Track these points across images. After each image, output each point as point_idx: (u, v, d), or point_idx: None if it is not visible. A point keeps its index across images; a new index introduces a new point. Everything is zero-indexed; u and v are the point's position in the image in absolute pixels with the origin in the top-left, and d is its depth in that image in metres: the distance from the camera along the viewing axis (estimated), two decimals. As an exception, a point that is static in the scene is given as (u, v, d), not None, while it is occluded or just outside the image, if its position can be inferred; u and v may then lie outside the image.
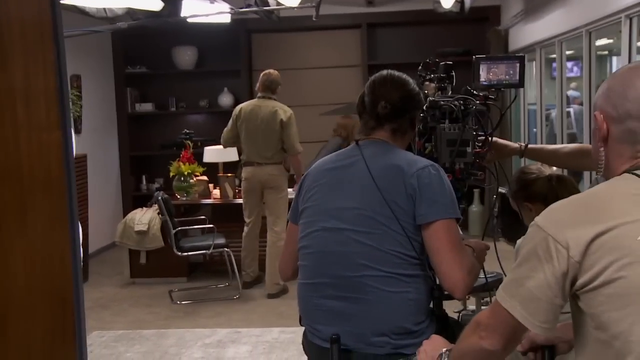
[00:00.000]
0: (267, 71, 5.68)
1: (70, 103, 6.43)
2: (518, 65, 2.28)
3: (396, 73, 2.12)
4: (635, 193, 1.30)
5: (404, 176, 1.96)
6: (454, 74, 2.40)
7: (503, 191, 2.63)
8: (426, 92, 2.35)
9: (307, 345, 2.11)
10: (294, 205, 2.17)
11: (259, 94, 5.64)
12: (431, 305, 2.05)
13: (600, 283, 1.25)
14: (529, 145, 2.47)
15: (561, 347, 1.72)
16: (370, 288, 1.94)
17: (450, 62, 2.39)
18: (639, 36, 3.62)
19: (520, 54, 2.39)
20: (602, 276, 1.24)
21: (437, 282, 2.00)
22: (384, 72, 2.13)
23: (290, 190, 5.75)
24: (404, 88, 2.09)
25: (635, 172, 1.33)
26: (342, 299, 1.96)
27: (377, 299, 1.94)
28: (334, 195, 2.04)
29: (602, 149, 1.40)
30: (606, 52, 8.84)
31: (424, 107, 2.24)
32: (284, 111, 5.52)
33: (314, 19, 3.86)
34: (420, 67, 2.40)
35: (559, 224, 1.30)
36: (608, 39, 6.64)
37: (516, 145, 2.48)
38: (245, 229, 5.84)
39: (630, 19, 3.66)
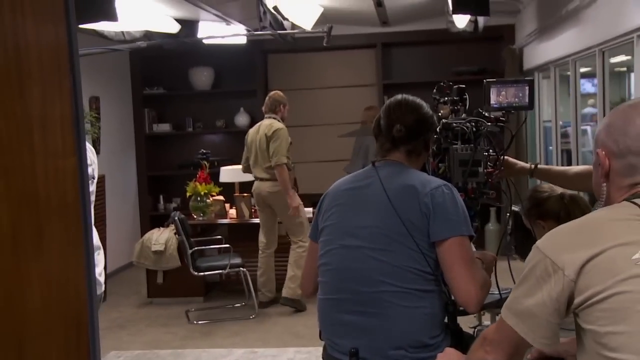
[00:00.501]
0: (270, 93, 5.92)
1: (89, 124, 6.53)
2: (527, 88, 2.39)
3: (410, 97, 2.23)
4: (629, 218, 1.38)
5: (419, 195, 2.05)
6: (467, 96, 2.49)
7: (516, 209, 2.66)
8: (440, 114, 2.45)
9: (327, 358, 2.19)
10: (313, 224, 2.28)
11: (265, 116, 5.83)
12: (446, 320, 2.13)
13: (595, 300, 1.33)
14: (539, 166, 2.53)
15: None
16: (387, 303, 2.03)
17: (463, 86, 2.47)
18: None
19: (529, 78, 2.48)
20: (597, 294, 1.33)
21: (452, 297, 2.09)
22: (399, 96, 2.24)
23: (308, 209, 5.81)
24: (417, 112, 2.19)
25: (632, 200, 1.41)
26: (361, 313, 2.04)
27: (394, 313, 2.03)
28: (352, 214, 2.14)
29: (604, 184, 1.49)
30: (625, 69, 8.79)
31: (438, 129, 2.33)
32: (272, 126, 5.65)
33: (324, 44, 3.89)
34: (434, 90, 2.51)
35: (557, 247, 1.40)
36: (626, 55, 6.62)
37: (526, 164, 2.54)
38: (261, 247, 5.89)
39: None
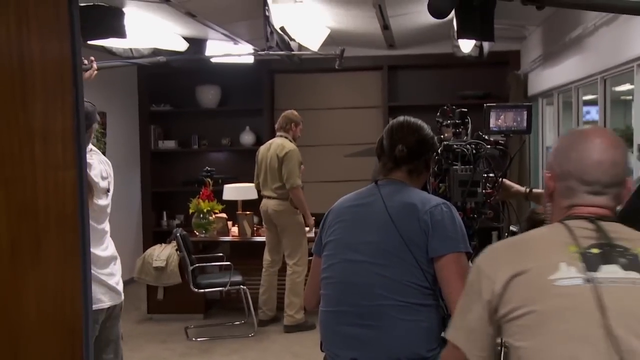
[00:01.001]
0: (284, 112, 5.94)
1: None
2: (526, 113, 2.53)
3: (412, 119, 2.34)
4: (557, 240, 1.47)
5: (418, 213, 2.13)
6: (469, 119, 2.61)
7: (515, 229, 2.72)
8: (443, 136, 2.58)
9: None
10: (317, 239, 2.38)
11: (277, 134, 5.85)
12: (443, 334, 2.18)
13: (514, 316, 1.44)
14: (533, 190, 2.64)
15: None
16: (386, 316, 2.11)
17: (465, 110, 2.59)
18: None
19: (528, 104, 2.59)
20: (515, 310, 1.44)
21: (449, 311, 2.15)
22: (401, 118, 2.34)
23: (307, 228, 5.82)
24: (419, 133, 2.30)
25: (564, 221, 1.50)
26: (361, 326, 2.12)
27: (392, 326, 2.10)
28: (355, 230, 2.24)
29: (548, 204, 1.61)
30: (630, 97, 8.82)
31: (439, 150, 2.46)
32: (283, 147, 5.68)
33: (337, 67, 3.93)
34: (438, 113, 2.64)
35: (492, 262, 1.52)
36: (631, 84, 6.65)
37: (522, 188, 2.65)
38: (265, 265, 5.90)
39: (642, 67, 3.70)
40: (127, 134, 7.94)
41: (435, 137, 2.37)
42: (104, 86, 7.18)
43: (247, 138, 8.10)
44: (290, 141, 5.76)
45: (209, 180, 6.46)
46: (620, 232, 1.47)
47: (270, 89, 8.13)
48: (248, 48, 6.19)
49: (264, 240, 6.16)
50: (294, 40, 5.56)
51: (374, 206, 2.22)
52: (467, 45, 5.91)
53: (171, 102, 8.23)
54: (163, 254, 6.08)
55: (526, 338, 1.42)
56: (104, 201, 3.05)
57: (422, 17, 6.06)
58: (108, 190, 3.11)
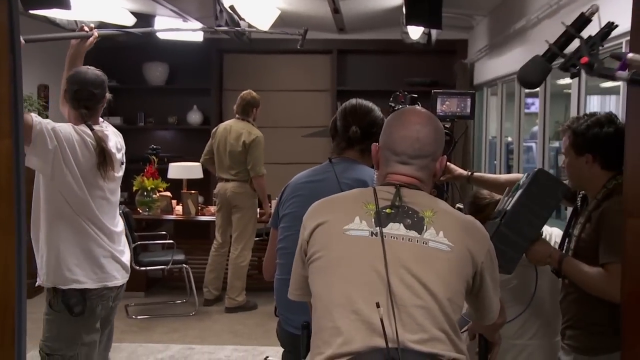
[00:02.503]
0: (244, 93, 5.83)
1: (36, 112, 6.38)
2: (469, 100, 2.67)
3: (364, 102, 2.55)
4: (361, 199, 1.74)
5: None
6: (419, 105, 2.67)
7: (460, 207, 2.83)
8: None
9: (281, 332, 2.51)
10: (274, 213, 2.56)
11: (236, 115, 5.76)
12: None
13: (313, 259, 1.72)
14: (474, 174, 2.75)
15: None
16: None
17: (416, 95, 2.74)
18: (588, 77, 3.75)
19: (472, 91, 2.70)
20: (315, 254, 1.71)
21: None
22: (354, 101, 2.55)
23: (259, 210, 5.84)
24: (371, 115, 2.51)
25: (376, 186, 1.79)
26: None
27: None
28: (309, 204, 2.32)
29: (375, 172, 1.90)
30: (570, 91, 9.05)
31: None
32: (249, 134, 5.62)
33: (299, 47, 3.93)
34: (391, 99, 2.80)
35: (309, 214, 1.80)
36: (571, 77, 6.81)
37: (464, 171, 2.76)
38: (215, 246, 5.87)
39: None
40: (71, 108, 7.74)
41: (384, 118, 2.46)
42: (47, 58, 6.98)
43: (194, 117, 8.01)
44: (255, 127, 5.72)
45: (154, 158, 6.37)
46: (414, 198, 1.72)
47: (219, 69, 8.05)
48: (197, 25, 6.10)
49: (209, 220, 6.13)
50: (243, 19, 5.52)
51: (327, 182, 2.38)
52: (415, 32, 5.97)
53: (117, 78, 8.04)
54: (105, 231, 5.98)
55: (318, 278, 1.70)
56: (119, 173, 2.98)
57: (372, 1, 6.09)
58: (122, 163, 3.04)
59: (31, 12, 3.86)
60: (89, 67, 3.06)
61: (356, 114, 2.49)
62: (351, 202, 1.75)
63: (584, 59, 1.69)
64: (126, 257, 3.01)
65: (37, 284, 2.87)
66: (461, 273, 1.65)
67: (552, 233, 2.70)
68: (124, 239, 3.04)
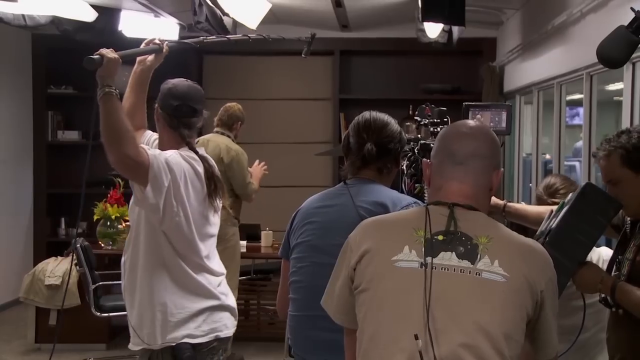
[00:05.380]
0: (228, 104, 5.91)
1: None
2: (505, 113, 2.82)
3: (378, 114, 2.63)
4: (411, 224, 1.86)
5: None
6: (448, 119, 2.93)
7: None
8: (420, 135, 2.96)
9: None
10: (284, 243, 2.67)
11: (215, 129, 5.82)
12: None
13: (360, 290, 1.87)
14: (507, 204, 2.81)
15: None
16: None
17: (444, 109, 2.92)
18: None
19: (508, 104, 2.80)
20: (361, 284, 1.86)
21: None
22: (367, 114, 2.63)
23: (243, 243, 5.88)
24: (387, 129, 2.59)
25: (428, 205, 1.90)
26: (332, 330, 2.23)
27: None
28: (324, 232, 2.51)
29: (426, 188, 2.11)
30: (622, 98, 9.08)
31: (416, 150, 2.83)
32: (228, 149, 5.63)
33: (303, 55, 3.86)
34: (416, 112, 2.97)
35: (357, 236, 1.95)
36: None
37: (500, 201, 2.81)
38: None
39: (634, 64, 3.81)
40: (17, 121, 7.77)
41: (403, 131, 2.65)
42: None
43: (167, 131, 8.02)
44: (233, 140, 5.77)
45: (119, 180, 6.37)
46: (469, 221, 1.84)
47: (198, 73, 8.07)
48: (171, 22, 6.15)
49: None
50: (227, 15, 5.55)
51: (343, 207, 2.50)
52: (433, 30, 6.00)
53: (74, 84, 8.09)
54: (58, 269, 5.97)
55: (365, 311, 1.84)
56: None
57: (382, -7, 6.16)
58: None
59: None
60: (182, 79, 3.07)
61: (370, 129, 2.58)
62: (401, 227, 1.89)
63: None
64: (232, 301, 3.06)
65: (135, 347, 2.93)
66: (519, 305, 1.77)
67: (601, 253, 2.73)
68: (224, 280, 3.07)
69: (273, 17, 6.03)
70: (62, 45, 7.53)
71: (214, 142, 5.68)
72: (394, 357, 1.74)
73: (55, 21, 5.11)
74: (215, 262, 2.98)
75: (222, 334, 2.93)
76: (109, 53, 2.78)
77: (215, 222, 2.96)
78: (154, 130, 3.13)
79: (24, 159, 7.91)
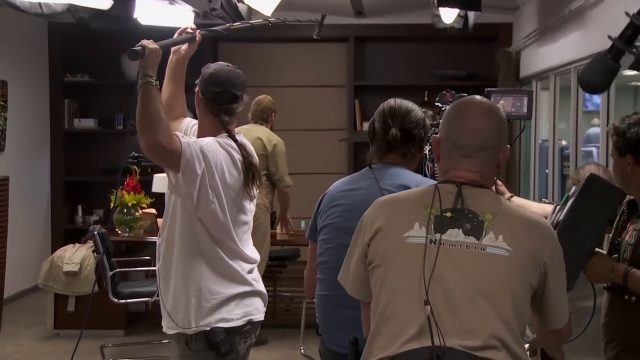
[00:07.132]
0: (258, 98, 6.10)
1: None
2: (526, 98, 2.90)
3: (403, 101, 2.76)
4: (422, 201, 1.96)
5: None
6: None
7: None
8: (440, 121, 2.85)
9: (325, 351, 2.78)
10: (311, 225, 2.83)
11: (252, 121, 6.03)
12: None
13: (373, 265, 1.98)
14: (512, 198, 2.92)
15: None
16: None
17: (465, 94, 2.89)
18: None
19: (529, 89, 2.85)
20: (374, 260, 1.98)
21: None
22: (392, 101, 2.77)
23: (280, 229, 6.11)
24: (411, 115, 2.73)
25: (438, 184, 1.99)
26: (357, 308, 2.33)
27: None
28: (350, 214, 2.61)
29: (436, 163, 2.13)
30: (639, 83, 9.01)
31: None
32: (269, 140, 5.85)
33: (315, 36, 3.88)
34: (437, 98, 3.11)
35: (370, 214, 2.06)
36: (641, 67, 6.77)
37: (508, 193, 2.96)
38: None
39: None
40: (35, 109, 7.81)
41: (427, 118, 2.79)
42: (6, 49, 7.05)
43: (183, 118, 8.04)
44: (274, 133, 5.97)
45: (136, 168, 6.39)
46: (476, 199, 1.93)
47: (212, 61, 8.01)
48: (186, 9, 6.14)
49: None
50: (242, 1, 5.55)
51: (368, 189, 2.63)
52: (449, 15, 5.97)
53: (90, 71, 8.12)
54: (76, 256, 6.00)
55: (378, 284, 1.96)
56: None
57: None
58: None
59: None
60: (222, 62, 3.10)
61: (395, 115, 2.71)
62: (412, 205, 1.99)
63: None
64: (262, 286, 3.08)
65: (170, 330, 2.98)
66: (523, 278, 1.87)
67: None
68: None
69: (287, 3, 6.02)
70: (78, 34, 7.55)
71: (254, 131, 5.84)
72: (406, 328, 1.84)
73: (71, 9, 5.10)
74: (250, 249, 3.00)
75: (255, 318, 2.96)
76: (150, 44, 2.84)
77: (250, 209, 2.97)
78: (194, 117, 3.11)
79: (41, 146, 7.95)
